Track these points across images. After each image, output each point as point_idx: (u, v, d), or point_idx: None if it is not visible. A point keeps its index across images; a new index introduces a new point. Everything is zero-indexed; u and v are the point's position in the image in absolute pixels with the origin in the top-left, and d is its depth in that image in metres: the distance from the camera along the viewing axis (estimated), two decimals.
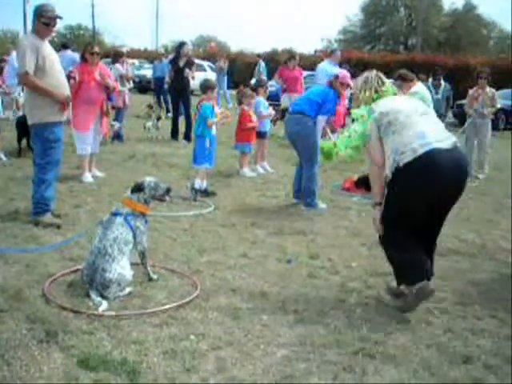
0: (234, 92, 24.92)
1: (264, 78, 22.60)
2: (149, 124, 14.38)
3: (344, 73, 8.54)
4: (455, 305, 4.83)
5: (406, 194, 4.48)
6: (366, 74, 5.08)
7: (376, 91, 4.91)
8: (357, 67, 26.06)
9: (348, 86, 8.10)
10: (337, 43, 63.13)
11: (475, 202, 8.99)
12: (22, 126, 10.52)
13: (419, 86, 9.17)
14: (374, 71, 5.08)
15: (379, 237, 4.82)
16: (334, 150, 5.31)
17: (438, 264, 5.76)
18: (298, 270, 5.46)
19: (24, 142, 10.85)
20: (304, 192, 7.93)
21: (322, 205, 7.98)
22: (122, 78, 13.14)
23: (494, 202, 9.19)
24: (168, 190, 5.16)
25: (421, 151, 4.34)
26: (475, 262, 6.05)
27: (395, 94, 5.11)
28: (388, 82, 5.10)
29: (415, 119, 4.56)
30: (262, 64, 23.78)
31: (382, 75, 5.06)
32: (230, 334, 4.11)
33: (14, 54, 13.51)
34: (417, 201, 4.46)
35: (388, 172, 4.54)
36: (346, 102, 11.85)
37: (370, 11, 63.62)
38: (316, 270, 5.50)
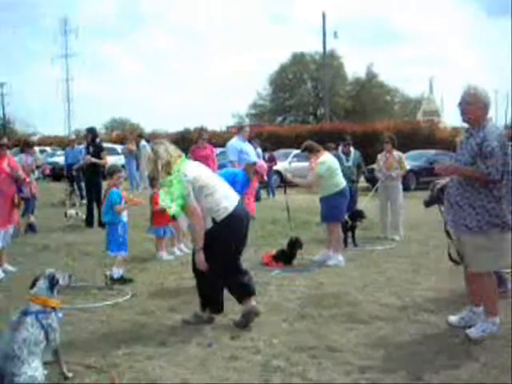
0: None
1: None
2: (71, 212, 14.16)
3: (262, 163, 8.59)
4: (381, 372, 4.77)
5: (225, 240, 5.84)
6: (156, 148, 5.98)
7: (169, 163, 5.83)
8: (269, 141, 26.63)
9: (262, 176, 8.28)
10: (248, 118, 64.33)
11: (393, 264, 9.10)
12: None
13: (326, 156, 9.49)
14: (162, 145, 5.97)
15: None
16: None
17: (361, 332, 5.75)
18: (219, 353, 5.26)
19: None
20: None
21: None
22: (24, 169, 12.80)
23: (412, 262, 9.23)
24: (70, 276, 5.04)
25: (230, 209, 5.81)
26: (398, 325, 6.00)
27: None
28: (173, 150, 6.00)
29: (218, 183, 6.00)
30: (143, 143, 23.43)
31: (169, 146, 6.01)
32: None
33: None
34: (232, 242, 5.92)
35: (208, 225, 5.77)
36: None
37: (277, 84, 65.33)
38: (238, 350, 5.31)
